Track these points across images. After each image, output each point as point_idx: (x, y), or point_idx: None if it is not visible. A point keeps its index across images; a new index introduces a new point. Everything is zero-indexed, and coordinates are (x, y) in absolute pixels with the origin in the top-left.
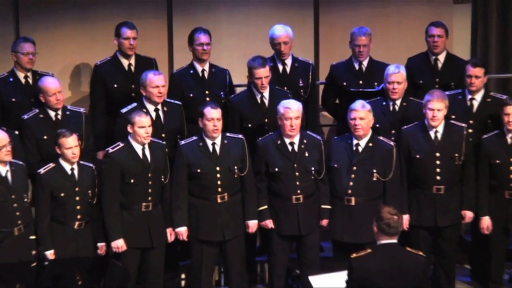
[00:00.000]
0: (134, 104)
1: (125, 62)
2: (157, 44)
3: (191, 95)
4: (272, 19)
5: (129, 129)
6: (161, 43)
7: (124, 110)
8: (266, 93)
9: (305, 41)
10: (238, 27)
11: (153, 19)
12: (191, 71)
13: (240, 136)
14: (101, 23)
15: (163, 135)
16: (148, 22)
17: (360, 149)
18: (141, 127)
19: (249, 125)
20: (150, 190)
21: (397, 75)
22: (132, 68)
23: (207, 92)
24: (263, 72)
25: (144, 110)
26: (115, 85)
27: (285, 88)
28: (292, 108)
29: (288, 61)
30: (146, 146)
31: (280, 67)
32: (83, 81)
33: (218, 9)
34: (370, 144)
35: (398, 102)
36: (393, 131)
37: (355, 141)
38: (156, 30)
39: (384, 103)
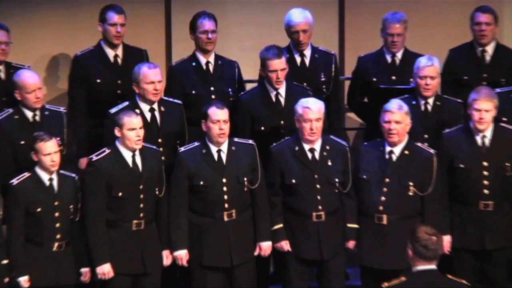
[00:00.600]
0: (126, 103)
1: (110, 53)
2: (152, 32)
3: (193, 92)
4: (288, 2)
5: (117, 132)
6: (157, 31)
7: (113, 110)
8: (282, 90)
9: (327, 29)
10: (248, 12)
11: (147, 2)
12: (193, 64)
13: (251, 141)
14: (87, 7)
15: (159, 140)
16: (141, 5)
17: (394, 157)
18: (131, 129)
19: (262, 128)
20: (142, 205)
21: (430, 69)
22: (119, 60)
23: (212, 88)
24: (279, 64)
25: (137, 110)
26: (98, 80)
27: (304, 84)
28: (312, 108)
29: (307, 52)
30: (137, 153)
31: (298, 59)
32: (60, 76)
33: None
34: (406, 152)
35: (430, 101)
36: (425, 136)
37: (388, 148)
38: (151, 16)
39: (414, 102)
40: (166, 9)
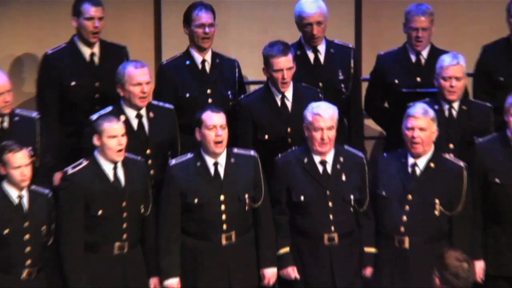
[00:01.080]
0: (109, 108)
1: (86, 51)
2: (138, 26)
3: (187, 95)
4: None
5: (96, 140)
6: (145, 25)
7: (94, 117)
8: (289, 93)
9: (342, 23)
10: (250, 3)
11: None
12: (187, 62)
13: (253, 152)
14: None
15: (148, 150)
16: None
17: (418, 171)
18: (111, 137)
19: (266, 137)
20: (125, 225)
21: (455, 68)
22: (96, 59)
23: (209, 91)
24: (285, 62)
25: (122, 116)
26: (73, 83)
27: (320, 83)
28: (323, 115)
29: (322, 48)
30: (120, 165)
31: (311, 56)
32: (27, 77)
33: None
34: (432, 165)
35: (456, 105)
36: (450, 145)
37: (411, 160)
38: (137, 7)
39: (437, 107)
40: (155, 0)
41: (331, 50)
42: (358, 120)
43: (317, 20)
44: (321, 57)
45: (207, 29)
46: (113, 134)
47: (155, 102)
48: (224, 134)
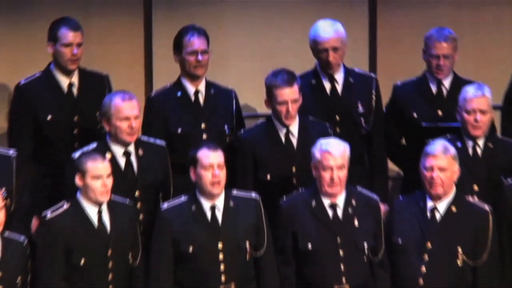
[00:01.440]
0: (93, 145)
1: (63, 81)
2: (126, 51)
3: (179, 130)
4: (302, 16)
5: (78, 181)
6: (133, 50)
7: (77, 154)
8: (294, 127)
9: (355, 49)
10: (251, 27)
11: (120, 13)
12: (179, 94)
13: (254, 194)
14: (42, 23)
15: (136, 192)
16: (113, 17)
17: (438, 215)
18: (96, 177)
19: (268, 177)
20: (110, 277)
21: (480, 101)
22: (75, 90)
23: (203, 125)
24: (290, 94)
25: (108, 154)
26: (49, 117)
27: (336, 116)
28: (334, 153)
29: (339, 76)
30: (105, 208)
31: (327, 86)
32: None
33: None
34: (453, 208)
35: (481, 142)
36: (475, 187)
37: (430, 204)
38: (125, 30)
39: (459, 144)
40: (145, 21)
41: (350, 79)
42: (381, 159)
43: (333, 45)
44: (339, 87)
45: (200, 56)
46: (97, 174)
47: (144, 138)
48: (222, 174)
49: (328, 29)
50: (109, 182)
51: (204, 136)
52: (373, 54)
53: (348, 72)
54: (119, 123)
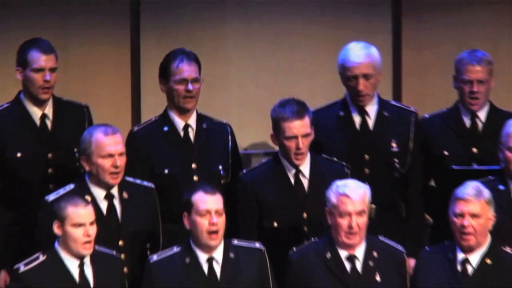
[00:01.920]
0: (70, 187)
1: (35, 113)
2: (111, 79)
3: (166, 171)
4: (319, 34)
5: (56, 229)
6: (120, 77)
7: (51, 197)
8: (305, 167)
9: None
10: (256, 49)
11: (104, 38)
12: (165, 128)
13: (258, 245)
14: (13, 48)
15: (120, 242)
16: (96, 40)
17: (470, 269)
18: (77, 225)
19: (275, 224)
20: None
21: None
22: (49, 122)
23: (193, 165)
24: (299, 127)
25: (87, 197)
26: (19, 154)
27: (366, 156)
28: (352, 196)
29: (372, 109)
30: (87, 261)
31: (357, 120)
32: None
33: (223, 17)
34: (488, 261)
35: None
36: None
37: (460, 255)
38: (110, 54)
39: (501, 187)
40: (132, 47)
41: (384, 113)
42: (418, 207)
43: (364, 72)
44: (370, 121)
45: (190, 86)
46: (79, 222)
47: (130, 179)
48: (220, 222)
49: (358, 53)
50: (93, 230)
51: (195, 177)
52: (397, 83)
53: (382, 104)
54: (101, 161)
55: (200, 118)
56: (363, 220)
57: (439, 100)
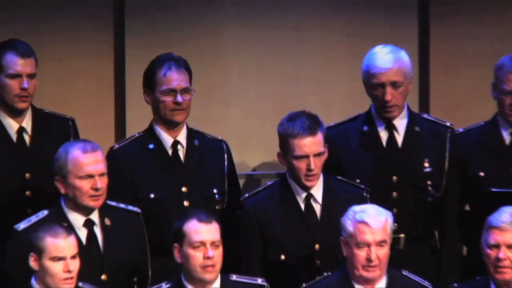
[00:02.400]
0: (44, 213)
1: (11, 126)
2: (92, 89)
3: (152, 196)
4: (332, 38)
5: (32, 262)
6: (102, 88)
7: (22, 226)
8: (318, 190)
9: None
10: (261, 53)
11: (89, 35)
12: (151, 146)
13: (260, 281)
14: None
15: (103, 276)
16: (71, 46)
17: None
18: (56, 259)
19: (282, 257)
20: None
21: None
22: (27, 137)
23: (183, 189)
24: (311, 145)
25: (65, 224)
26: None
27: (394, 177)
28: (372, 224)
29: (401, 123)
30: None
31: (384, 135)
32: None
33: (221, 20)
34: None
35: None
36: None
37: None
38: (91, 63)
39: None
40: (116, 46)
41: (416, 128)
42: (454, 238)
43: (392, 79)
44: (399, 138)
45: (179, 98)
46: (58, 256)
47: (113, 203)
48: (217, 255)
49: (386, 58)
50: (74, 265)
51: (186, 203)
52: (425, 93)
53: (413, 118)
54: (78, 182)
55: (191, 133)
56: (383, 252)
57: (473, 113)
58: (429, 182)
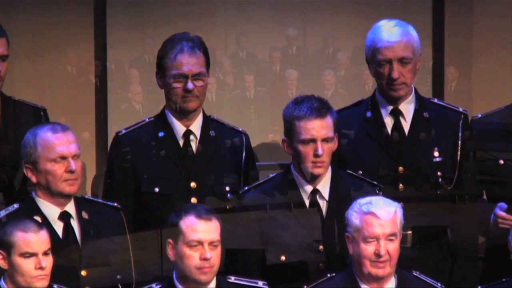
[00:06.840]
0: (14, 206)
1: None
2: (70, 89)
3: (156, 189)
4: (338, 18)
5: (1, 260)
6: (83, 62)
7: None
8: (324, 185)
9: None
10: (269, 37)
11: (65, 34)
12: (161, 134)
13: (261, 283)
14: None
15: (82, 272)
16: (50, 19)
17: None
18: (27, 255)
19: (282, 258)
20: None
21: None
22: None
23: (193, 184)
24: (319, 128)
25: (37, 217)
26: None
27: (400, 168)
28: (381, 216)
29: (407, 108)
30: None
31: (389, 121)
32: None
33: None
34: None
35: None
36: None
37: None
38: (71, 57)
39: None
40: (96, 23)
41: (424, 113)
42: (472, 239)
43: (399, 55)
44: (406, 125)
45: (189, 84)
46: (28, 251)
47: (89, 197)
48: (215, 256)
49: (393, 31)
50: (47, 262)
51: (193, 199)
52: (439, 78)
53: (421, 103)
54: (51, 166)
55: (208, 123)
56: (394, 246)
57: (493, 96)
58: (439, 173)
